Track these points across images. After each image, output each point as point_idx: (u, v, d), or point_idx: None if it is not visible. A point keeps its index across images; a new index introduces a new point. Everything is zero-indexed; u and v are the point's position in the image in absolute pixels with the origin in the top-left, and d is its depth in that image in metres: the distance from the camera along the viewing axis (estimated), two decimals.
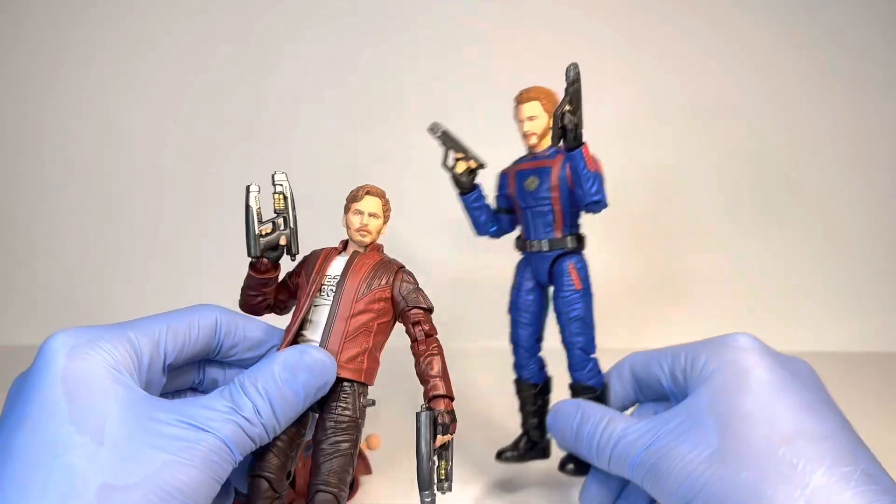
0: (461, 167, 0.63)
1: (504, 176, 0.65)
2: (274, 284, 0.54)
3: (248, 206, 0.50)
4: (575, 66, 0.54)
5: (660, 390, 0.56)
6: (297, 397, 0.46)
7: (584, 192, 0.58)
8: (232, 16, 1.17)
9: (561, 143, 0.57)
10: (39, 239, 1.19)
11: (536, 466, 0.70)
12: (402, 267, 0.53)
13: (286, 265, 0.55)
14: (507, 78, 1.08)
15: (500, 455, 0.64)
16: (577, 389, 0.62)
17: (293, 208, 0.52)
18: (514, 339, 0.65)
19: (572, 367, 0.62)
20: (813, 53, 1.12)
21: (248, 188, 0.50)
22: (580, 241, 0.62)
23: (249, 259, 0.52)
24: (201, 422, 0.41)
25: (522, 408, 0.66)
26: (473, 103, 1.08)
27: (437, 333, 0.51)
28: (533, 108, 0.61)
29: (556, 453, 0.67)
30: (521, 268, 0.65)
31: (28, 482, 0.36)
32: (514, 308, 0.65)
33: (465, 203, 0.65)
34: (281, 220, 0.51)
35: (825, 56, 1.12)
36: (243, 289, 0.54)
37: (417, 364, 0.50)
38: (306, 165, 1.11)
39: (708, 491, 0.44)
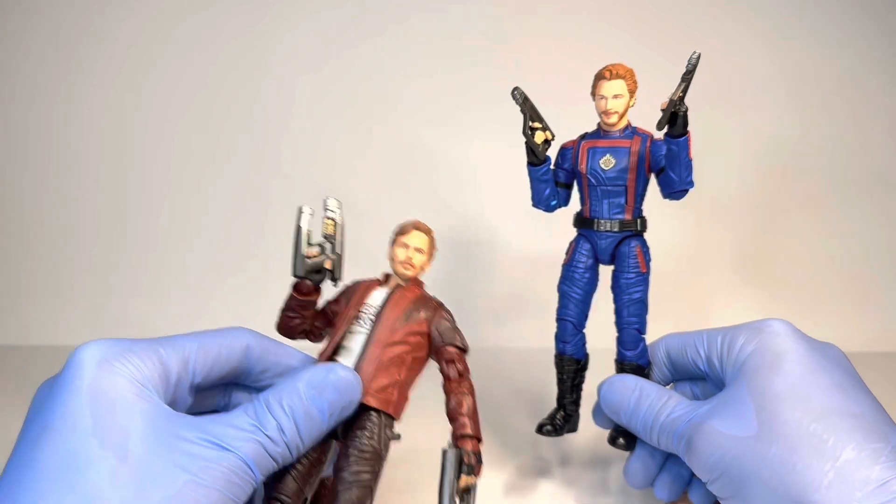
0: (539, 137, 0.61)
1: (567, 150, 0.64)
2: (313, 308, 0.55)
3: (298, 227, 0.51)
4: (699, 54, 0.53)
5: (695, 372, 0.59)
6: (322, 416, 0.45)
7: (679, 180, 0.59)
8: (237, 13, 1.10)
9: (665, 128, 0.56)
10: (58, 239, 1.13)
11: (576, 445, 0.73)
12: (442, 304, 0.55)
13: (328, 292, 0.55)
14: (508, 78, 1.05)
15: (541, 429, 0.65)
16: (626, 367, 0.63)
17: (342, 235, 0.53)
18: (563, 314, 0.65)
19: (624, 346, 0.63)
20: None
21: (300, 209, 0.52)
22: (644, 223, 0.63)
23: (293, 279, 0.52)
24: (224, 440, 0.41)
25: (561, 382, 0.67)
26: (476, 102, 1.06)
27: (470, 374, 0.52)
28: (619, 86, 0.60)
29: (584, 428, 0.69)
30: (578, 244, 0.64)
31: (47, 496, 0.36)
32: (568, 283, 0.65)
33: (534, 174, 0.63)
34: (329, 245, 0.52)
35: None
36: (282, 310, 0.54)
37: (448, 402, 0.51)
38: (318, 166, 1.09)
39: (739, 464, 0.47)
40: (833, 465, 0.43)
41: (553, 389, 0.68)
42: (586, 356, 0.67)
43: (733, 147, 1.13)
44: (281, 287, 0.57)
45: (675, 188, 0.60)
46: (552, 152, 0.64)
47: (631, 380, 0.59)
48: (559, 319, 0.66)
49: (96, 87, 1.11)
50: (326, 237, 0.53)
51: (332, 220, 0.52)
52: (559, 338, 0.66)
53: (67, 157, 1.12)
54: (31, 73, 1.10)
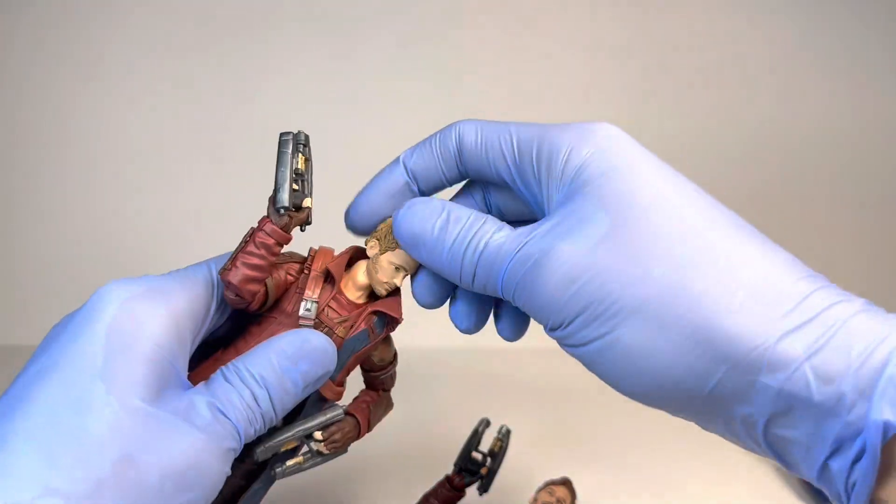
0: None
1: None
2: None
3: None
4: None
5: (493, 177, 0.43)
6: (296, 387, 0.40)
7: None
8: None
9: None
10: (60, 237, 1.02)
11: None
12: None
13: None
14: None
15: None
16: None
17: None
18: None
19: None
20: None
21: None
22: None
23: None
24: (226, 407, 0.38)
25: None
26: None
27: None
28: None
29: None
30: None
31: (42, 437, 0.33)
32: None
33: None
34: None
35: None
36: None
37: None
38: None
39: (611, 294, 0.35)
40: (740, 283, 0.33)
41: None
42: None
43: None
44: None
45: None
46: None
47: (438, 202, 0.42)
48: None
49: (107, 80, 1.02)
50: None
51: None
52: None
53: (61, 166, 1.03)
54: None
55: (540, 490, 0.53)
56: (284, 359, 0.40)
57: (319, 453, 0.43)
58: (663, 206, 0.36)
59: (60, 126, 1.03)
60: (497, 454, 0.56)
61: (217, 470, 0.36)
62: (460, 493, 0.55)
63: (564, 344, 0.38)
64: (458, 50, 1.02)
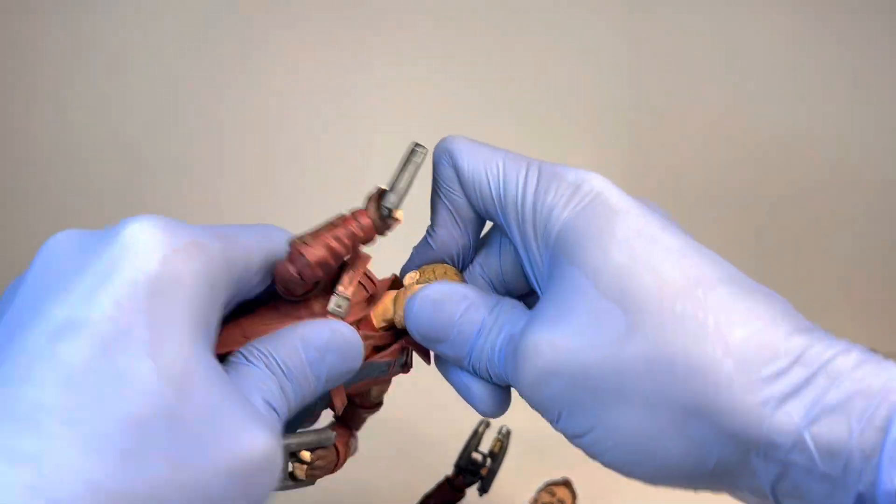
0: None
1: None
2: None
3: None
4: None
5: (481, 205, 0.40)
6: (318, 382, 0.36)
7: None
8: None
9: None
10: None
11: None
12: None
13: None
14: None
15: None
16: None
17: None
18: None
19: None
20: None
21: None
22: None
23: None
24: (271, 399, 0.34)
25: None
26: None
27: None
28: None
29: None
30: None
31: (80, 419, 0.26)
32: None
33: None
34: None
35: None
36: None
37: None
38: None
39: (590, 384, 0.33)
40: (726, 350, 0.31)
41: None
42: None
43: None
44: None
45: None
46: None
47: (458, 288, 0.39)
48: None
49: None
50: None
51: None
52: None
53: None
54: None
55: (540, 491, 0.53)
56: (312, 349, 0.35)
57: (294, 477, 0.38)
58: (638, 270, 0.33)
59: (60, 124, 1.03)
60: (497, 455, 0.55)
61: (279, 472, 0.31)
62: (460, 493, 0.55)
63: (566, 437, 0.36)
64: (455, 53, 1.03)
